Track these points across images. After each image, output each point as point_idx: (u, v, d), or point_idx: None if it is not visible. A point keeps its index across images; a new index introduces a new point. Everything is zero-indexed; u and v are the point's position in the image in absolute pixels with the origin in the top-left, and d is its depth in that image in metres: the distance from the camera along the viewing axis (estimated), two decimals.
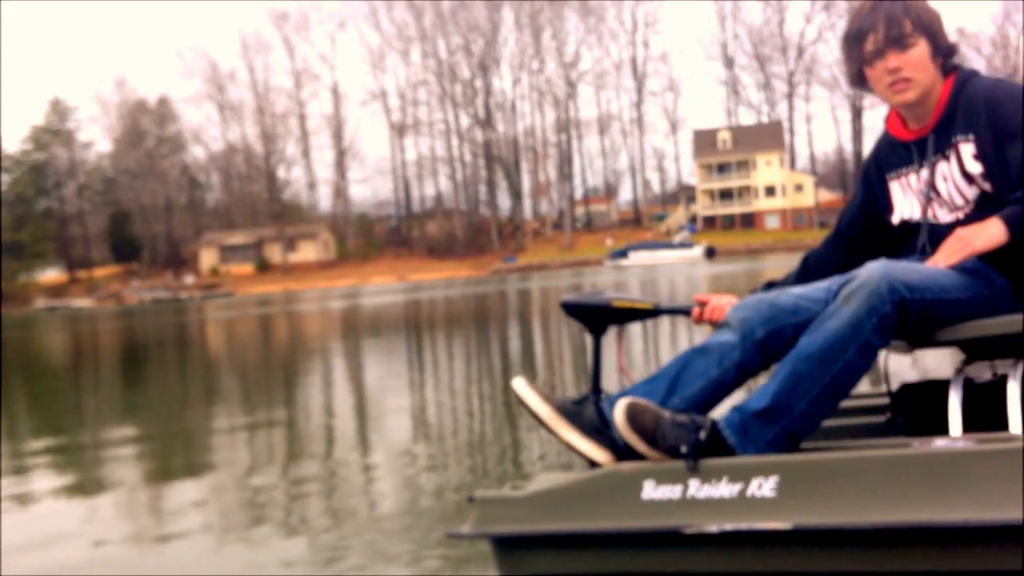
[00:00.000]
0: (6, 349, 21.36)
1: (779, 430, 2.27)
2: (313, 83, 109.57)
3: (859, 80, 2.70)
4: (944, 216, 2.53)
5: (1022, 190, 2.32)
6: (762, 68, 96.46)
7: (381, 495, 4.24)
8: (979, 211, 2.47)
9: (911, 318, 2.27)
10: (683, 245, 68.13)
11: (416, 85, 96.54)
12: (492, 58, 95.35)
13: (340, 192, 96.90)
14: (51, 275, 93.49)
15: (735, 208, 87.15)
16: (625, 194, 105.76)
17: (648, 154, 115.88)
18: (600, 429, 2.40)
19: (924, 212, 2.56)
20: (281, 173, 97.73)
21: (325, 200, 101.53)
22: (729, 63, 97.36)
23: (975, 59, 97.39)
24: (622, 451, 2.36)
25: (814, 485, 2.11)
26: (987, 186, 2.45)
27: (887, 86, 2.53)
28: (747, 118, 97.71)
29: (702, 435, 2.25)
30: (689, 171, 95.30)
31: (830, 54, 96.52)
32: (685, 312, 2.71)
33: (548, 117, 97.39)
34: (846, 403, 2.61)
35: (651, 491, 2.25)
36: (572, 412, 2.41)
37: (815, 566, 2.17)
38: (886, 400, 2.70)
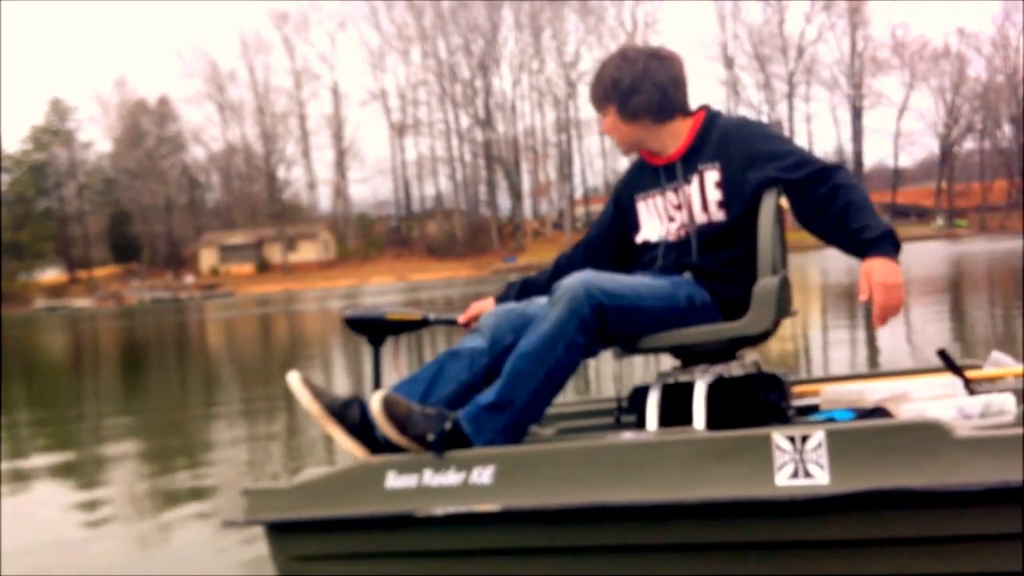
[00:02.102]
0: (6, 349, 21.37)
1: (506, 421, 2.58)
2: (313, 83, 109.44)
3: None
4: (678, 235, 2.81)
5: (866, 221, 2.54)
6: (762, 68, 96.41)
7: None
8: (708, 234, 2.76)
9: (610, 322, 2.59)
10: None
11: (416, 85, 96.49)
12: (492, 58, 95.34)
13: (340, 192, 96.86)
14: (51, 275, 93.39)
15: None
16: None
17: None
18: (364, 427, 2.67)
19: (662, 230, 2.85)
20: (281, 173, 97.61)
21: (325, 200, 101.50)
22: (729, 63, 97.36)
23: (975, 59, 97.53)
24: (384, 448, 2.65)
25: (524, 472, 2.46)
26: (721, 215, 2.74)
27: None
28: None
29: (447, 426, 2.56)
30: None
31: (830, 54, 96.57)
32: (452, 322, 3.00)
33: (548, 117, 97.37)
34: (597, 405, 3.20)
35: (393, 480, 2.59)
36: (339, 410, 2.67)
37: (523, 543, 2.54)
38: (623, 401, 3.06)
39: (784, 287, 2.70)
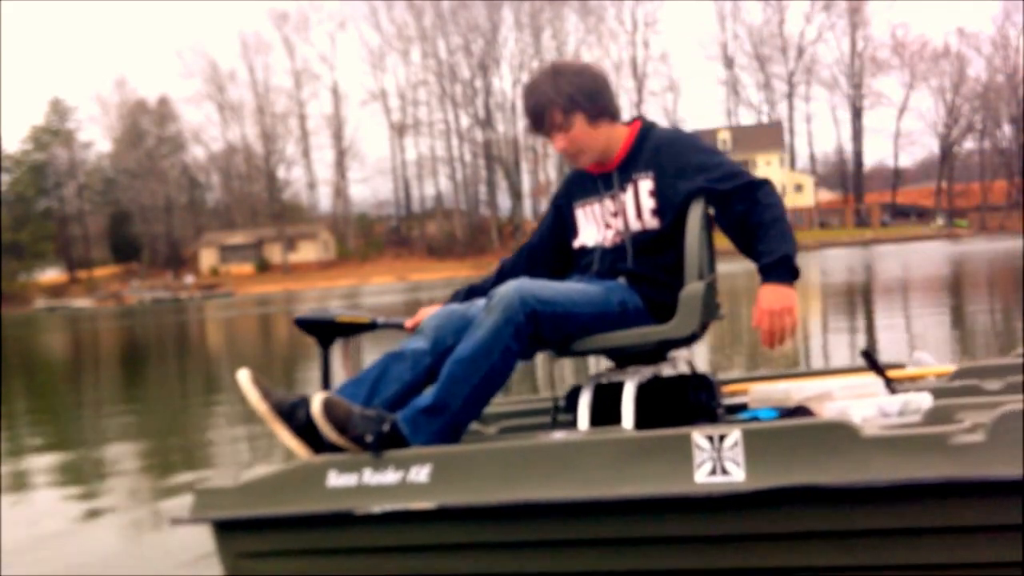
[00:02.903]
0: (6, 349, 21.36)
1: (442, 423, 2.66)
2: (313, 83, 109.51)
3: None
4: (614, 241, 2.90)
5: (771, 246, 2.64)
6: (762, 68, 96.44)
7: None
8: (642, 241, 2.85)
9: (544, 328, 2.67)
10: None
11: (416, 85, 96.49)
12: (492, 58, 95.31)
13: (340, 192, 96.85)
14: (51, 275, 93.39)
15: None
16: None
17: None
18: (310, 428, 2.72)
19: (599, 236, 2.93)
20: (281, 173, 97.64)
21: (325, 200, 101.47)
22: (729, 63, 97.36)
23: (975, 59, 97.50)
24: (329, 448, 2.70)
25: (459, 471, 2.57)
26: (655, 223, 2.84)
27: (566, 158, 2.94)
28: (747, 118, 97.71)
29: (385, 427, 2.63)
30: None
31: (830, 54, 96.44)
32: (400, 326, 3.08)
33: None
34: (538, 404, 3.33)
35: (334, 479, 2.68)
36: (287, 410, 2.73)
37: (458, 539, 2.64)
38: (560, 401, 3.15)
39: (710, 292, 2.80)
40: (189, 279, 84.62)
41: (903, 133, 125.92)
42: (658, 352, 2.89)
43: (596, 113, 2.86)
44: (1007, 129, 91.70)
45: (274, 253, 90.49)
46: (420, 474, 2.60)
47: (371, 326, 3.09)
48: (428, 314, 3.00)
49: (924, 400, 2.69)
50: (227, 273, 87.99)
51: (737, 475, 2.33)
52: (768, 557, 2.41)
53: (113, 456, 5.78)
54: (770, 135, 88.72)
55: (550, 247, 3.11)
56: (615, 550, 2.53)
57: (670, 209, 2.81)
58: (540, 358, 2.98)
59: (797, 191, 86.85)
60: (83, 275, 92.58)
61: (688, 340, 2.79)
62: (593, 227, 2.97)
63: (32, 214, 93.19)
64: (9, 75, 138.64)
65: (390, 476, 2.62)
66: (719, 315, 2.93)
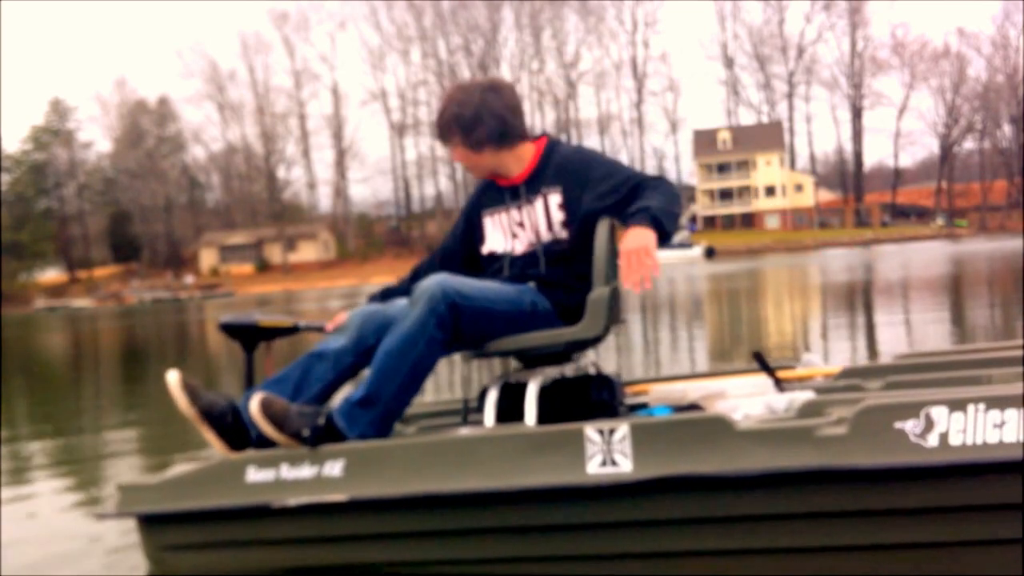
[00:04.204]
0: (6, 349, 21.38)
1: (376, 414, 2.81)
2: (313, 83, 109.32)
3: None
4: (521, 249, 3.09)
5: (640, 200, 2.85)
6: (762, 68, 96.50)
7: None
8: (554, 250, 3.03)
9: (464, 322, 2.83)
10: (683, 245, 67.94)
11: (416, 85, 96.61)
12: (492, 58, 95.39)
13: (340, 192, 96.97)
14: (51, 275, 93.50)
15: (735, 208, 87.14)
16: None
17: (648, 154, 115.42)
18: (236, 428, 2.90)
19: (507, 244, 3.13)
20: (281, 173, 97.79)
21: (325, 200, 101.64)
22: (729, 63, 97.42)
23: (975, 59, 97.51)
24: (258, 445, 2.88)
25: (370, 466, 2.73)
26: (564, 233, 3.02)
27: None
28: (747, 118, 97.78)
29: (320, 421, 2.79)
30: (689, 171, 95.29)
31: (830, 54, 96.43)
32: (321, 328, 3.18)
33: (548, 117, 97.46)
34: (453, 405, 3.52)
35: (253, 475, 2.83)
36: (214, 412, 2.89)
37: (369, 529, 2.80)
38: (472, 400, 3.32)
39: (615, 297, 2.99)
40: (189, 279, 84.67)
41: (903, 133, 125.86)
42: (564, 353, 3.06)
43: (473, 142, 3.06)
44: (1007, 129, 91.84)
45: (274, 253, 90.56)
46: (334, 469, 2.75)
47: (293, 329, 3.20)
48: (344, 318, 3.13)
49: (808, 398, 2.82)
50: (227, 273, 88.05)
51: (625, 466, 2.51)
52: (654, 542, 2.58)
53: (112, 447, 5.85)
54: (770, 135, 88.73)
55: (461, 252, 3.28)
56: (515, 537, 2.70)
57: (576, 221, 3.00)
58: (457, 362, 3.12)
59: (797, 191, 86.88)
60: (83, 275, 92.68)
61: (594, 341, 2.98)
62: (500, 235, 3.16)
63: (32, 214, 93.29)
64: (9, 75, 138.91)
65: (306, 471, 2.77)
66: (622, 319, 3.11)
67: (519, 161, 3.12)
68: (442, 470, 2.67)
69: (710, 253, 64.81)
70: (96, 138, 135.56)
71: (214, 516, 2.91)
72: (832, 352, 8.05)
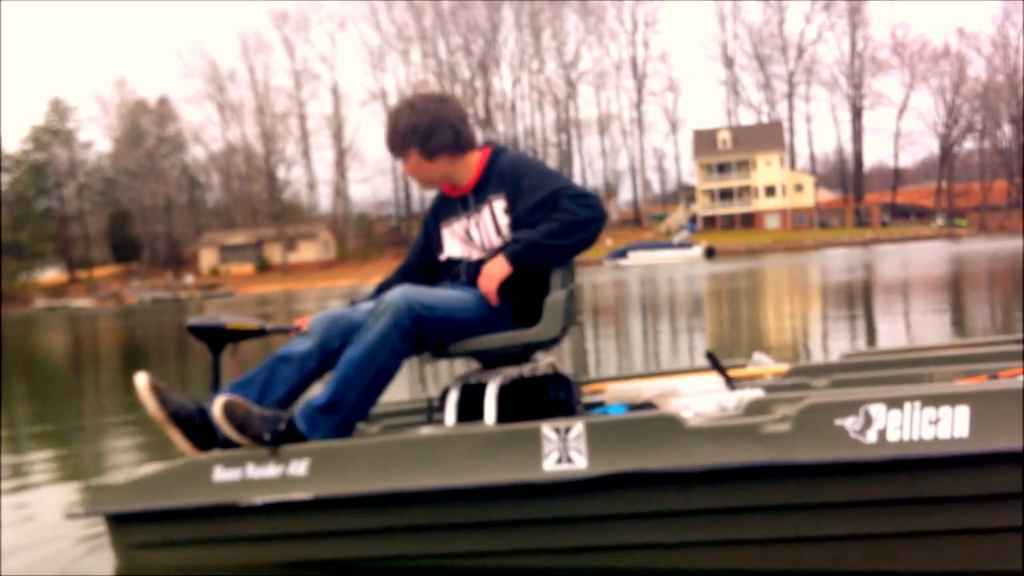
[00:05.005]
0: (6, 349, 21.39)
1: (338, 419, 2.91)
2: (313, 83, 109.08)
3: None
4: (477, 255, 3.21)
5: (522, 235, 3.01)
6: (762, 68, 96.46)
7: None
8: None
9: (428, 331, 2.94)
10: (683, 245, 68.01)
11: (416, 85, 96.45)
12: (492, 58, 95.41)
13: (340, 192, 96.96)
14: (51, 275, 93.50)
15: (735, 208, 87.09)
16: (625, 194, 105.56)
17: (648, 154, 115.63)
18: (204, 430, 2.98)
19: (464, 251, 3.25)
20: (281, 173, 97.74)
21: (325, 200, 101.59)
22: (729, 63, 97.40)
23: (975, 59, 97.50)
24: (223, 447, 2.95)
25: (334, 464, 2.81)
26: (511, 236, 3.13)
27: (414, 182, 3.33)
28: (747, 118, 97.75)
29: (281, 426, 2.88)
30: (689, 171, 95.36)
31: (830, 54, 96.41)
32: (287, 331, 3.25)
33: (548, 117, 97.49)
34: (417, 404, 3.62)
35: (220, 474, 2.92)
36: (182, 414, 2.97)
37: (333, 526, 2.88)
38: (435, 401, 3.40)
39: (571, 299, 3.10)
40: (189, 279, 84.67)
41: (903, 133, 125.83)
42: (523, 354, 3.16)
43: (429, 151, 3.18)
44: (1007, 129, 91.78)
45: (274, 253, 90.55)
46: (299, 468, 2.84)
47: (260, 332, 3.26)
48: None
49: (756, 396, 2.90)
50: (227, 273, 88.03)
51: (580, 463, 2.60)
52: (608, 536, 2.67)
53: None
54: (770, 135, 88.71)
55: (422, 263, 3.42)
56: (475, 532, 2.79)
57: (517, 228, 3.11)
58: (419, 363, 3.24)
59: (797, 191, 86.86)
60: (83, 275, 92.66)
61: (552, 342, 3.08)
62: (457, 243, 3.29)
63: (32, 214, 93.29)
64: (9, 75, 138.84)
65: (271, 470, 2.87)
66: (579, 321, 3.21)
67: (468, 169, 3.25)
68: (404, 468, 2.77)
69: (710, 253, 64.73)
70: (96, 138, 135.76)
71: (182, 515, 2.99)
72: (830, 352, 8.04)
